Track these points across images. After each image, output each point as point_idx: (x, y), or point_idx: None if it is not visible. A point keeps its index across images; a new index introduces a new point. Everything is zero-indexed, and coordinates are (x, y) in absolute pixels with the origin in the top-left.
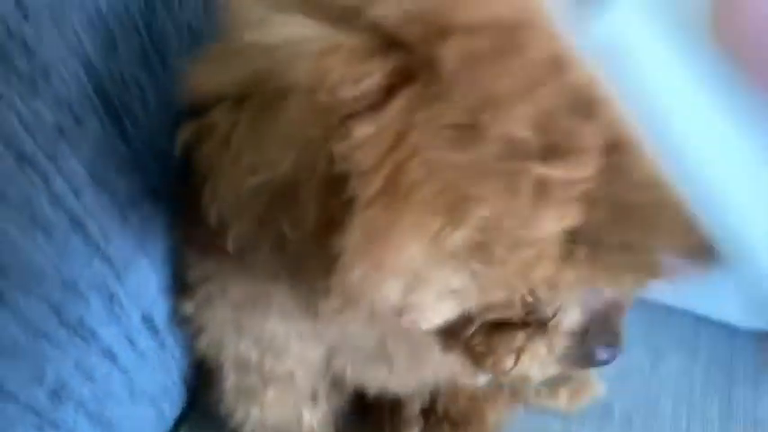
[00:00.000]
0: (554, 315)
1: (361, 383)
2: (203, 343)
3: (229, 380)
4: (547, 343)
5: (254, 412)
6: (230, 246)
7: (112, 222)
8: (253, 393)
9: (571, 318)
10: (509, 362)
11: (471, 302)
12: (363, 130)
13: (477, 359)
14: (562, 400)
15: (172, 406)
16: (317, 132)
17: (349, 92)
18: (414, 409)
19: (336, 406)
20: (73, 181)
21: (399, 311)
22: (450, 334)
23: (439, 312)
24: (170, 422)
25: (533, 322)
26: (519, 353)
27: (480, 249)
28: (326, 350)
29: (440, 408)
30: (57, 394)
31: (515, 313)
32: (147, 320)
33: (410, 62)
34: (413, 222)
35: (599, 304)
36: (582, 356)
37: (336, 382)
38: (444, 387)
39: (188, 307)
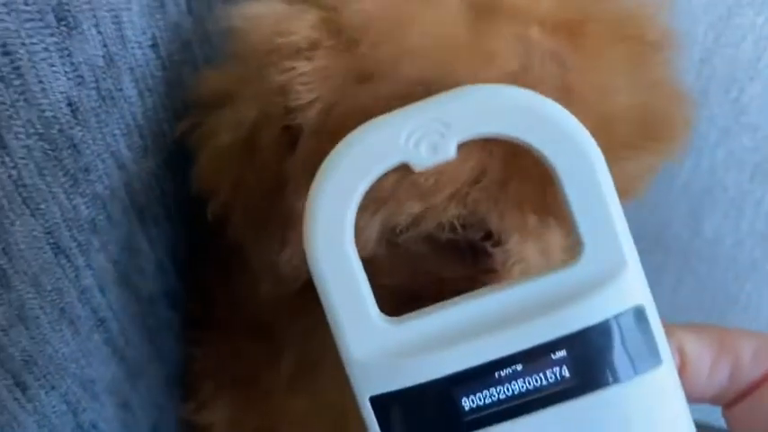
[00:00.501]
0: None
1: None
2: None
3: None
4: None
5: None
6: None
7: (132, 323)
8: None
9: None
10: None
11: (389, 214)
12: (300, 67)
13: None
14: None
15: None
16: (269, 84)
17: (287, 43)
18: None
19: None
20: (100, 277)
21: None
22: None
23: (372, 229)
24: None
25: (481, 264)
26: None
27: None
28: None
29: None
30: None
31: (446, 236)
32: None
33: (335, 20)
34: None
35: None
36: None
37: None
38: None
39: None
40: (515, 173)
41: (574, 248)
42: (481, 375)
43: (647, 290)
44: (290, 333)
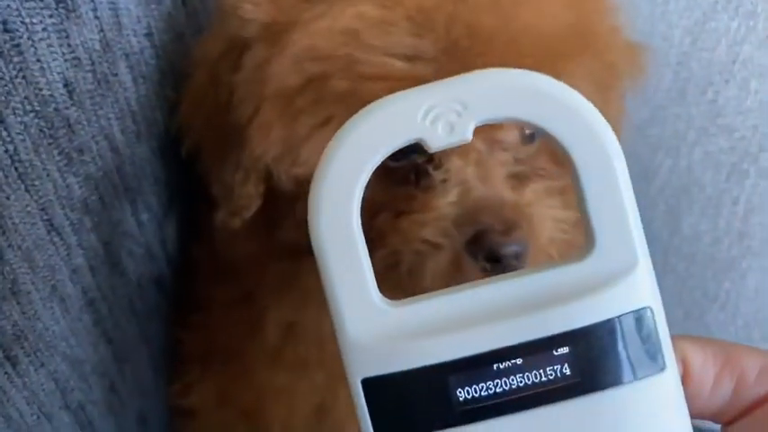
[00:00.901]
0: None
1: None
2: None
3: None
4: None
5: None
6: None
7: (121, 306)
8: None
9: (451, 195)
10: (388, 252)
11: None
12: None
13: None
14: None
15: None
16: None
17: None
18: None
19: None
20: (91, 257)
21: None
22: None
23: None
24: None
25: (422, 184)
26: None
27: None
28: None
29: None
30: None
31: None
32: (141, 421)
33: None
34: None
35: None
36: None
37: None
38: None
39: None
40: None
41: (585, 243)
42: (479, 366)
43: (657, 292)
44: (275, 305)
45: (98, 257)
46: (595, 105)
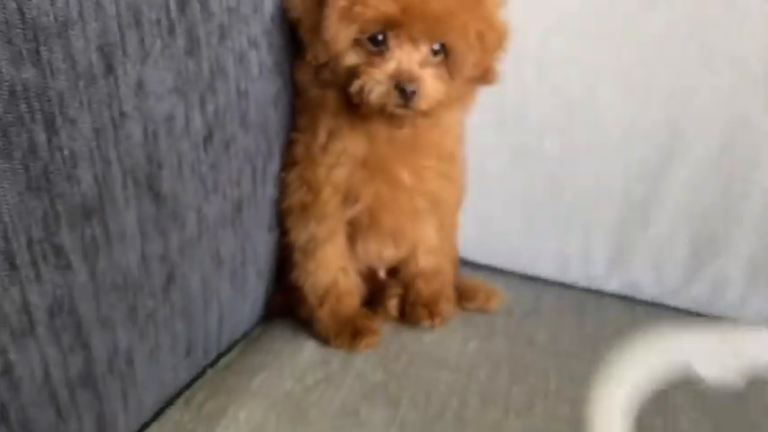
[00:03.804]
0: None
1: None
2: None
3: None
4: (378, 70)
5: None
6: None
7: None
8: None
9: (392, 64)
10: (358, 85)
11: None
12: None
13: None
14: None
15: None
16: None
17: None
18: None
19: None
20: None
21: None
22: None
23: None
24: None
25: (374, 54)
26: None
27: None
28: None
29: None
30: None
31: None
32: None
33: None
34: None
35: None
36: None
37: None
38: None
39: None
40: (411, 21)
41: None
42: None
43: None
44: (325, 119)
45: None
46: (474, 53)
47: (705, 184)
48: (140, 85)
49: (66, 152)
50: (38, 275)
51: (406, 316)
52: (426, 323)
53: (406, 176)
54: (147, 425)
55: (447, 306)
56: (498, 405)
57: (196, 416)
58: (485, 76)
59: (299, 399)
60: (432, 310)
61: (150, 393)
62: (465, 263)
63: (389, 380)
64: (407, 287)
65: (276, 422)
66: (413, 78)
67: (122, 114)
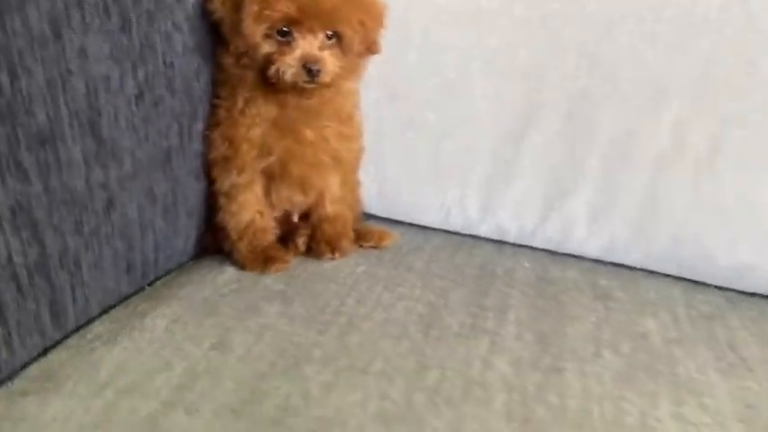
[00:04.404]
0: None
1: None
2: None
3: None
4: (289, 56)
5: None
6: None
7: None
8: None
9: (299, 51)
10: (274, 69)
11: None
12: None
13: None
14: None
15: None
16: None
17: None
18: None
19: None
20: None
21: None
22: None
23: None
24: None
25: (283, 44)
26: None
27: None
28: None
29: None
30: None
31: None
32: None
33: None
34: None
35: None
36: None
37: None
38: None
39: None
40: (308, 17)
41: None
42: None
43: None
44: (243, 90)
45: None
46: (359, 35)
47: (555, 146)
48: (82, 50)
49: (24, 93)
50: (3, 181)
51: (312, 251)
52: (328, 256)
53: (309, 134)
54: (92, 320)
55: (347, 243)
56: (369, 305)
57: (132, 312)
58: (370, 48)
59: (214, 301)
60: (333, 246)
61: (95, 295)
62: (368, 215)
63: (287, 289)
64: (315, 229)
65: (193, 314)
66: (317, 60)
67: (68, 71)
